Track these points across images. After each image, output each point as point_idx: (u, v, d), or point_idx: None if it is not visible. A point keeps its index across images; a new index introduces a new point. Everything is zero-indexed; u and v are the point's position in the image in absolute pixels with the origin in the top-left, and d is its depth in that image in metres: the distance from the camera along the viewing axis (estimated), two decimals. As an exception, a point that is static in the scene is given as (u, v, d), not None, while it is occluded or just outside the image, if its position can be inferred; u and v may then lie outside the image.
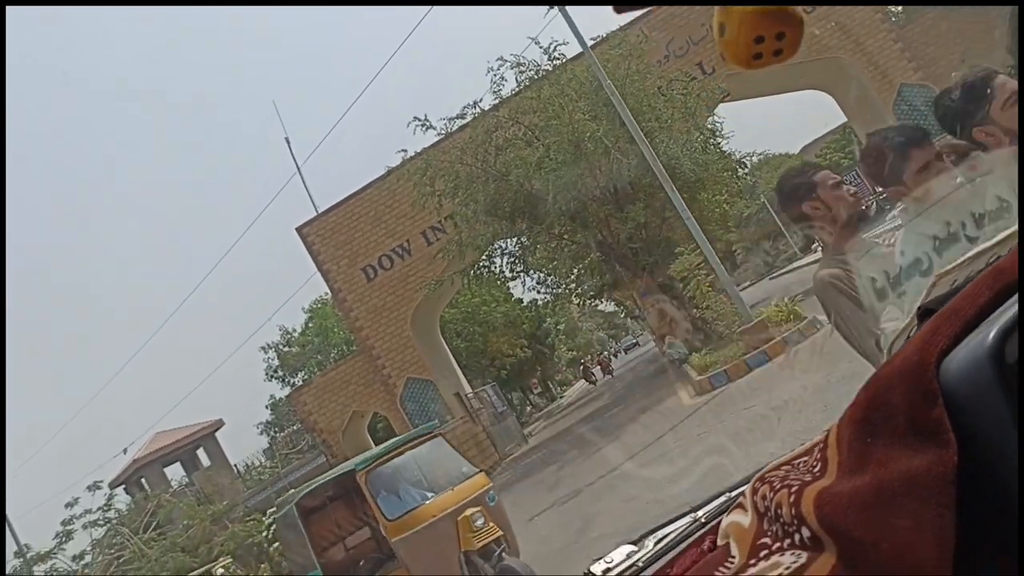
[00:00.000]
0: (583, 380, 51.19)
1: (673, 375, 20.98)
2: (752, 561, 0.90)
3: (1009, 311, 0.76)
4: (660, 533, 1.30)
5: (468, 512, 8.10)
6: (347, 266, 27.59)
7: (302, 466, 28.42)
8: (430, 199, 23.58)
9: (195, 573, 22.74)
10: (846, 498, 0.79)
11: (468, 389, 29.57)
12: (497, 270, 24.32)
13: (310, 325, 42.72)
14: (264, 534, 25.69)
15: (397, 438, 10.28)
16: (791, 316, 15.58)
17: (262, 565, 24.54)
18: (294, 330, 44.79)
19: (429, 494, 8.63)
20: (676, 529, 1.28)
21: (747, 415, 11.50)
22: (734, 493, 1.24)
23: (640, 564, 1.24)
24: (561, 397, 55.10)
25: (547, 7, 19.64)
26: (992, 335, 0.73)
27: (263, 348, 44.70)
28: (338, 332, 38.85)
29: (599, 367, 51.38)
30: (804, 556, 0.82)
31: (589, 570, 1.29)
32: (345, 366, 28.66)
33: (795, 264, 34.31)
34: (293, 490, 25.87)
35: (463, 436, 26.95)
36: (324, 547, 10.37)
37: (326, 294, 41.12)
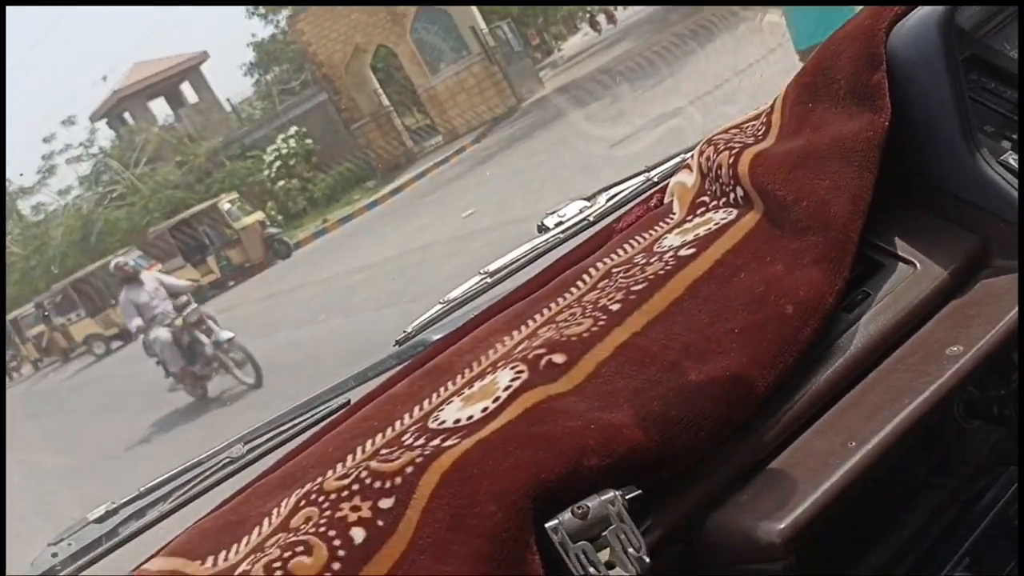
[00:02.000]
0: (582, 33, 49.99)
1: None
2: (689, 217, 0.97)
3: None
4: (613, 191, 1.34)
5: None
6: None
7: (301, 103, 26.08)
8: None
9: (199, 207, 21.26)
10: (778, 159, 0.84)
11: (482, 25, 26.59)
12: None
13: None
14: (266, 172, 24.06)
15: None
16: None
17: (268, 203, 23.14)
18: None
19: None
20: (629, 187, 1.32)
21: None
22: (687, 154, 1.20)
23: (591, 219, 1.29)
24: (560, 50, 52.74)
25: None
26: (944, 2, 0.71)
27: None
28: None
29: (604, 16, 49.47)
30: (734, 213, 0.88)
31: (542, 222, 1.35)
32: (345, -10, 25.31)
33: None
34: (295, 127, 23.80)
35: (480, 75, 24.59)
36: None
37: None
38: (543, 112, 20.44)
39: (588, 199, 1.36)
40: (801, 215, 0.80)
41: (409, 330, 1.27)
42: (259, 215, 20.70)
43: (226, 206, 20.27)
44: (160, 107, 31.15)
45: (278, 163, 23.81)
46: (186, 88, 30.86)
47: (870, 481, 0.73)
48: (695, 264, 0.85)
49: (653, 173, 1.31)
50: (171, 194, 24.76)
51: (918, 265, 0.80)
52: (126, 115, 30.08)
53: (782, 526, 0.71)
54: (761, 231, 0.84)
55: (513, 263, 1.27)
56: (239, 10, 43.79)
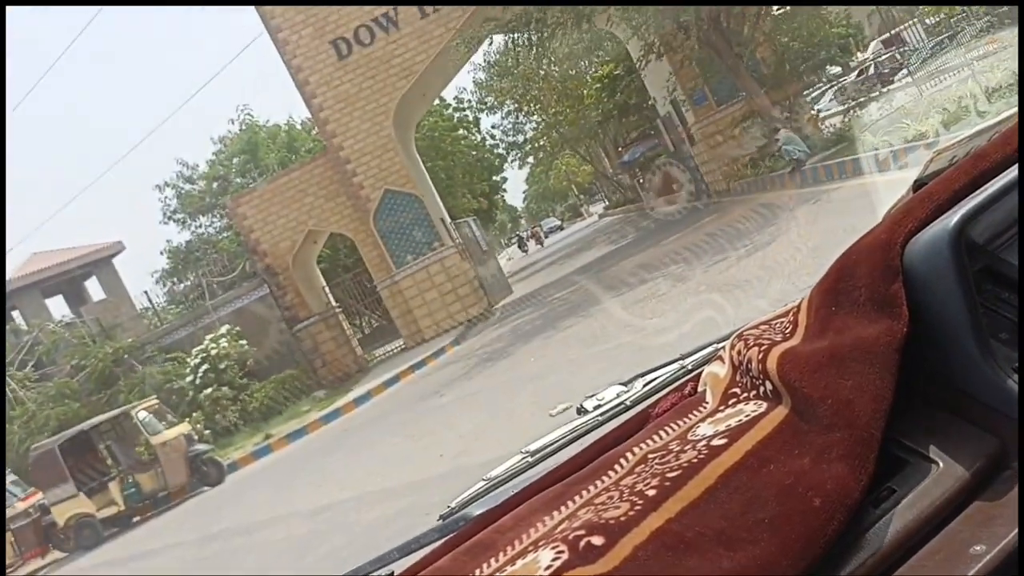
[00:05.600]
0: (506, 257, 54.38)
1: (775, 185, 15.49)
2: (721, 407, 1.01)
3: (975, 199, 0.81)
4: (649, 376, 1.43)
5: None
6: (312, 36, 20.79)
7: (239, 297, 21.97)
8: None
9: (105, 416, 16.32)
10: (804, 358, 0.89)
11: (447, 218, 23.66)
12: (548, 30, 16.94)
13: (223, 150, 35.14)
14: (190, 378, 19.45)
15: None
16: None
17: (194, 414, 18.36)
18: (196, 165, 37.44)
19: None
20: (664, 374, 1.41)
21: None
22: (720, 344, 1.30)
23: (627, 404, 1.37)
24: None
25: None
26: (955, 221, 0.79)
27: (158, 187, 37.37)
28: (271, 152, 31.66)
29: (533, 239, 56.79)
30: (764, 406, 0.94)
31: (582, 405, 1.43)
32: (301, 172, 22.06)
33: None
34: (227, 326, 19.49)
35: (454, 270, 21.21)
36: None
37: (245, 110, 33.82)
38: (520, 318, 16.99)
39: (625, 384, 1.43)
40: (826, 412, 0.83)
41: (453, 505, 1.32)
42: (184, 427, 15.92)
43: (143, 415, 15.43)
44: (58, 306, 26.47)
45: (205, 367, 19.27)
46: (92, 284, 26.39)
47: None
48: (727, 454, 0.89)
49: (687, 361, 1.39)
50: (64, 408, 19.75)
51: (941, 464, 0.83)
52: (16, 313, 25.23)
53: None
54: (789, 425, 0.88)
55: (553, 443, 1.33)
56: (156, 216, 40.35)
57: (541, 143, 44.35)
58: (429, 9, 20.66)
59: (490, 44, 17.50)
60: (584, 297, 15.32)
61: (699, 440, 0.95)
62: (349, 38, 20.82)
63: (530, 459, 1.31)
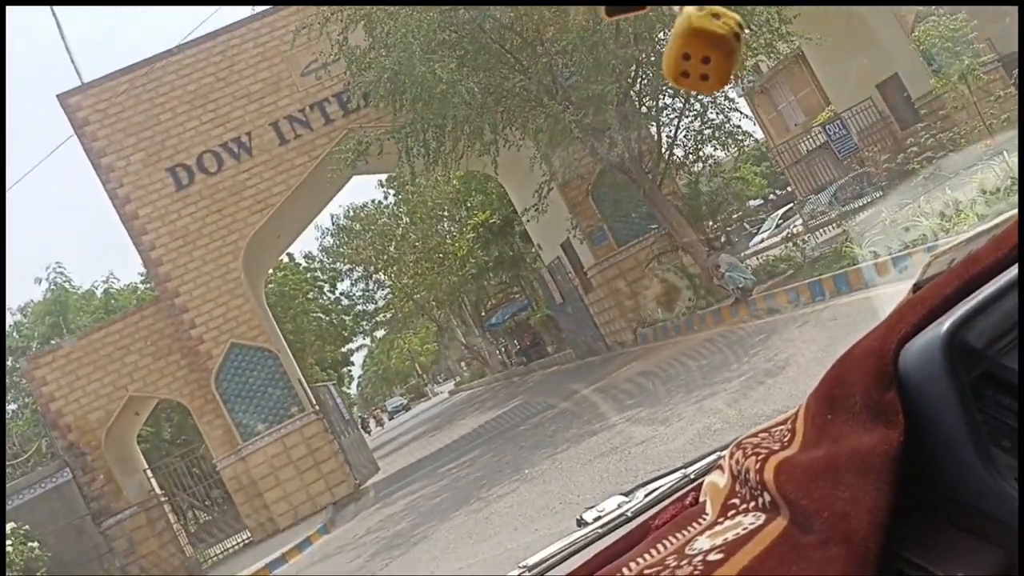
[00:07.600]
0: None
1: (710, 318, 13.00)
2: (720, 519, 0.99)
3: (968, 304, 0.80)
4: (651, 486, 1.39)
5: None
6: (144, 163, 17.33)
7: (30, 485, 16.93)
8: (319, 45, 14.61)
9: None
10: (801, 468, 0.86)
11: (304, 381, 19.88)
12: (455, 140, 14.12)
13: (24, 321, 29.96)
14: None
15: None
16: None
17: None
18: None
19: None
20: (666, 483, 1.37)
21: None
22: (722, 452, 1.24)
23: (628, 515, 1.33)
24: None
25: None
26: (947, 327, 0.78)
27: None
28: (84, 315, 26.81)
29: (373, 420, 55.94)
30: (762, 518, 0.91)
31: (582, 517, 1.38)
32: (123, 325, 17.83)
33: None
34: (13, 524, 14.67)
35: (316, 442, 17.37)
36: None
37: (56, 268, 29.07)
38: (414, 494, 13.47)
39: (626, 494, 1.40)
40: (823, 526, 0.81)
41: None
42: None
43: None
44: None
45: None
46: None
47: None
48: (723, 569, 0.87)
49: (690, 470, 1.36)
50: None
51: None
52: None
53: None
54: (787, 538, 0.85)
55: (552, 557, 1.30)
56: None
57: (392, 313, 41.35)
58: (289, 135, 17.81)
59: (380, 153, 14.41)
60: (498, 464, 11.99)
61: (696, 555, 0.93)
62: (191, 165, 17.51)
63: (527, 574, 1.27)
